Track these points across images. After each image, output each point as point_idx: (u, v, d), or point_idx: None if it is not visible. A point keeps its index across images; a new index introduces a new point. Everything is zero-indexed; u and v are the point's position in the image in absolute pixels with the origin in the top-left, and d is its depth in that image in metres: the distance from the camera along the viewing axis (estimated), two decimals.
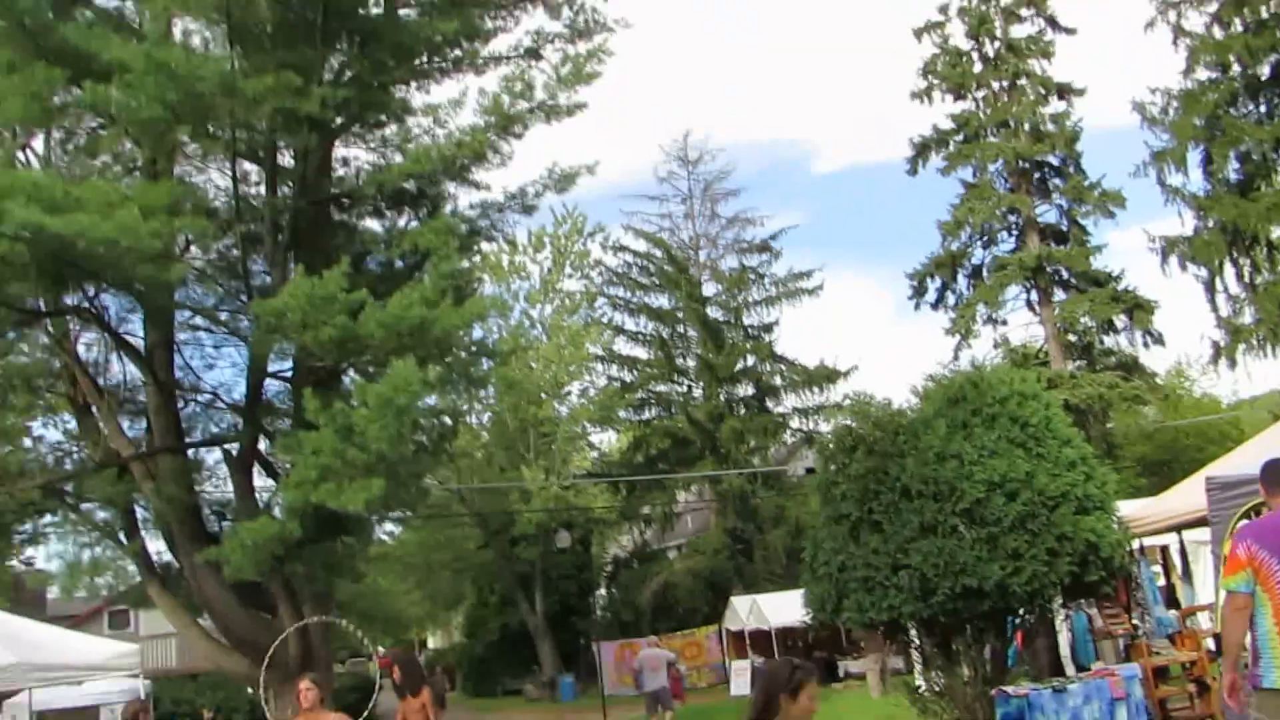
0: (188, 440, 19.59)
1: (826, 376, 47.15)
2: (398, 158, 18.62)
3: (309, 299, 15.40)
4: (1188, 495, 13.94)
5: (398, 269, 18.44)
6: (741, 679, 35.83)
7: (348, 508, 15.89)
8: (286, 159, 18.63)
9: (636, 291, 49.68)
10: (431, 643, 73.92)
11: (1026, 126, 43.08)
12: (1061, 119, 43.31)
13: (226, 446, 19.58)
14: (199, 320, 19.55)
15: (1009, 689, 13.85)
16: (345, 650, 54.87)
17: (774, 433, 47.26)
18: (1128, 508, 15.88)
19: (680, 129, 60.04)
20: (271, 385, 19.48)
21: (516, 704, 40.73)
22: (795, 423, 48.08)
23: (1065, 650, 17.28)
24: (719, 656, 40.92)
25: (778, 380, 48.63)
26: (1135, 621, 16.13)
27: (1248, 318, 33.60)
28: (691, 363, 48.71)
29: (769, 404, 48.27)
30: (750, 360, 48.28)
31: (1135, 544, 16.07)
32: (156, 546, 20.37)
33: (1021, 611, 14.71)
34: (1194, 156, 34.57)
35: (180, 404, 19.61)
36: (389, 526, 46.14)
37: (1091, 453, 15.14)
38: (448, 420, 20.35)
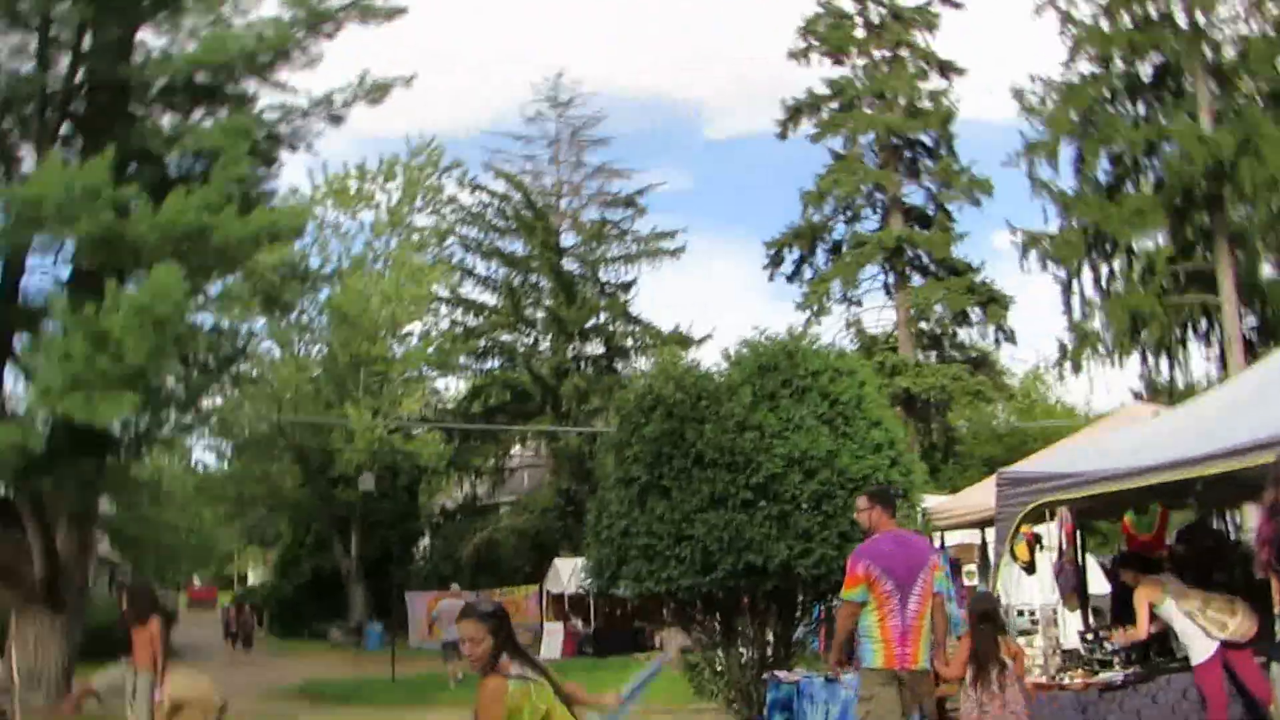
0: None
1: (679, 342, 45.31)
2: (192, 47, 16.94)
3: (67, 188, 13.88)
4: (987, 492, 13.20)
5: (191, 174, 16.84)
6: (554, 640, 35.17)
7: (97, 421, 14.46)
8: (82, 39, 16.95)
9: (490, 234, 47.86)
10: (252, 580, 72.02)
11: (902, 101, 42.21)
12: (939, 97, 42.62)
13: None
14: None
15: (781, 674, 13.00)
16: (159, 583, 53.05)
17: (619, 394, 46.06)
18: (930, 501, 15.20)
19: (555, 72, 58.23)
20: (39, 287, 17.79)
21: (319, 648, 39.31)
22: None
23: None
24: (536, 617, 39.94)
25: (629, 342, 47.52)
26: None
27: (1098, 323, 33.26)
28: (541, 314, 47.16)
29: (617, 365, 47.07)
30: (603, 318, 47.07)
31: (937, 538, 15.39)
32: None
33: (802, 598, 13.95)
34: (1067, 152, 33.95)
35: None
36: (199, 454, 44.42)
37: (902, 437, 14.43)
38: (236, 341, 18.86)
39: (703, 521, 12.80)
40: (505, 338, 47.35)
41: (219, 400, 35.96)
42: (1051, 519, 12.24)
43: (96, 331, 14.16)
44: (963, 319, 42.07)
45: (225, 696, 17.46)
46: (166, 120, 17.73)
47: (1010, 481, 10.70)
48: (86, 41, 16.56)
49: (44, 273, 17.75)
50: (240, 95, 17.68)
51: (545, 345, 47.20)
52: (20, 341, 17.20)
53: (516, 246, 47.91)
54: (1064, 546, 12.12)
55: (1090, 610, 12.79)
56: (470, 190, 47.61)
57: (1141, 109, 33.19)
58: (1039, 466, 11.10)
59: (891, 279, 42.44)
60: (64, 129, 16.46)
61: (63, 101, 16.30)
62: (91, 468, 17.17)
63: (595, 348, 47.10)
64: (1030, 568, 12.69)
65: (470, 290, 47.89)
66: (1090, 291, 33.86)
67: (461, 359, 45.94)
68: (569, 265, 47.39)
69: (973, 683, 8.80)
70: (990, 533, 12.39)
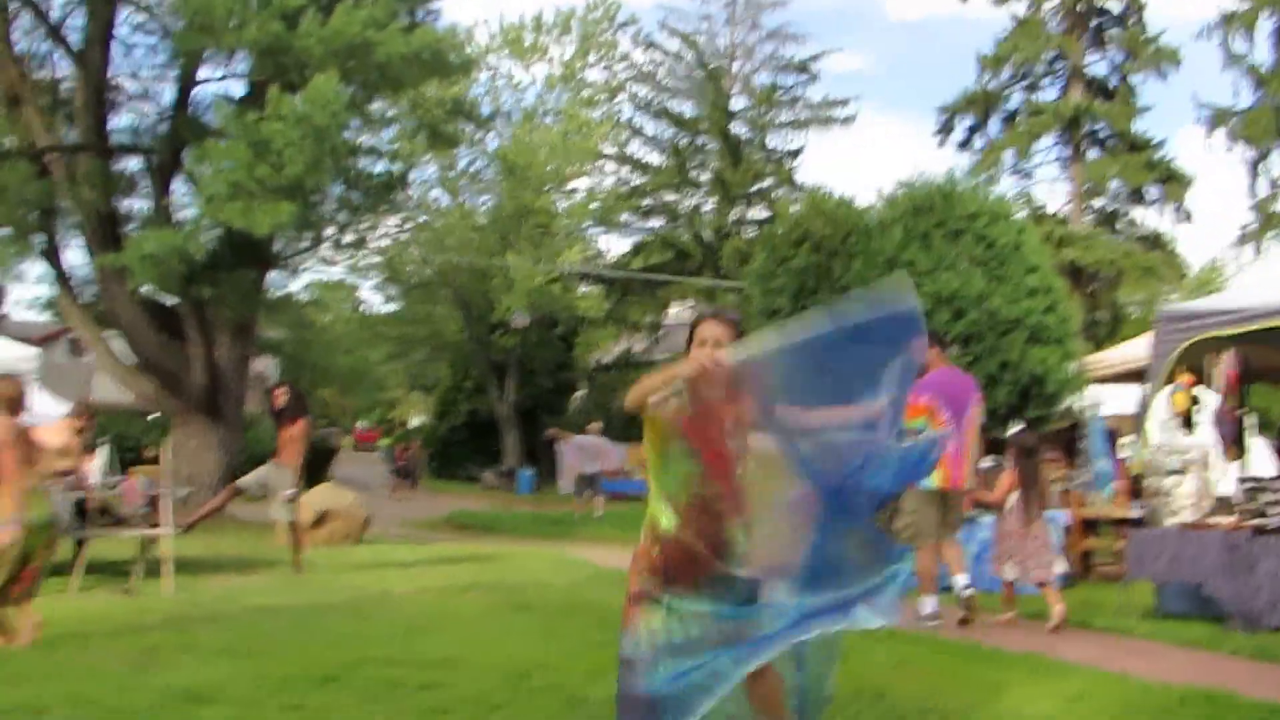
0: (112, 144, 18.39)
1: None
2: None
3: None
4: (1147, 344, 12.78)
5: None
6: None
7: (254, 229, 14.80)
8: None
9: (660, 94, 47.49)
10: (413, 424, 73.71)
11: None
12: None
13: (149, 155, 18.38)
14: (139, 20, 18.15)
15: None
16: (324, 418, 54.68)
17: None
18: (1091, 358, 14.85)
19: None
20: (208, 99, 18.16)
21: (473, 490, 40.13)
22: None
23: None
24: None
25: (793, 210, 46.85)
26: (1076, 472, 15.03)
27: None
28: (706, 176, 46.78)
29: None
30: (769, 182, 46.47)
31: (1090, 395, 15.02)
32: (75, 260, 19.43)
33: None
34: (1266, 26, 32.41)
35: (110, 106, 18.38)
36: (366, 296, 45.25)
37: (1060, 285, 14.04)
38: (394, 167, 19.02)
39: None
40: (669, 198, 47.10)
41: (384, 238, 36.80)
42: (1214, 367, 11.87)
43: (258, 139, 14.43)
44: (1139, 197, 40.58)
45: (370, 512, 18.17)
46: None
47: (1171, 318, 10.29)
48: None
49: (216, 84, 18.08)
50: None
51: (709, 207, 46.89)
52: (189, 152, 17.61)
53: (686, 107, 47.40)
54: (1225, 394, 11.71)
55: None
56: (644, 48, 47.04)
57: None
58: (1195, 305, 10.63)
59: (1067, 152, 40.99)
60: None
61: None
62: (251, 279, 17.65)
63: (759, 212, 46.50)
64: (1187, 420, 12.25)
65: (637, 149, 47.50)
66: (1278, 173, 32.43)
67: (625, 216, 45.81)
68: (737, 129, 46.68)
69: (1012, 510, 9.83)
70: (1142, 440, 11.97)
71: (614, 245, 50.09)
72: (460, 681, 6.56)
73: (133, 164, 19.28)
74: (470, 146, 39.75)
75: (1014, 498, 9.81)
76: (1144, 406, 11.08)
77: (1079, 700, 6.59)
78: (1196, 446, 11.39)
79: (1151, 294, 41.33)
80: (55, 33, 18.01)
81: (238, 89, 17.72)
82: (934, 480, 8.89)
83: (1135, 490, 11.93)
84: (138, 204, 19.34)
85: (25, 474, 7.76)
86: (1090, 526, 13.66)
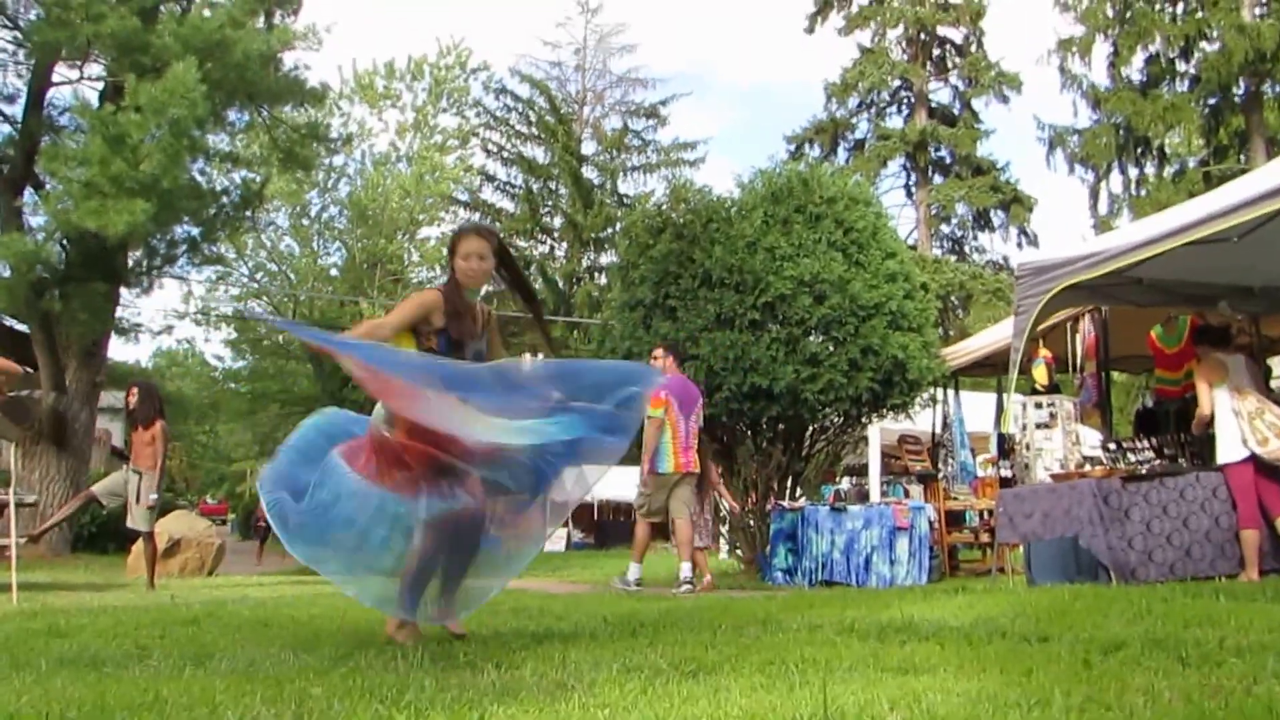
0: None
1: None
2: None
3: None
4: (1003, 329, 12.88)
5: None
6: (556, 543, 35.94)
7: (109, 229, 14.24)
8: None
9: (512, 139, 47.36)
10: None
11: None
12: None
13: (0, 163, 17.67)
14: None
15: (785, 504, 12.78)
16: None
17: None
18: (950, 348, 14.90)
19: None
20: (64, 102, 17.55)
21: None
22: None
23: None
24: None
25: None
26: (939, 464, 15.09)
27: (1125, 222, 32.75)
28: (558, 221, 46.80)
29: None
30: (619, 227, 46.58)
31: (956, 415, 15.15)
32: None
33: (811, 428, 13.68)
34: (1101, 50, 33.51)
35: None
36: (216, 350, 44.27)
37: (917, 273, 14.07)
38: (252, 177, 18.63)
39: (708, 340, 12.51)
40: (522, 244, 46.93)
41: (236, 286, 36.01)
42: (1074, 335, 11.99)
43: (114, 133, 13.94)
44: (985, 221, 41.60)
45: (223, 539, 17.50)
46: None
47: (1030, 271, 10.26)
48: None
49: (71, 86, 17.50)
50: None
51: (561, 252, 46.85)
52: (41, 154, 16.99)
53: (538, 153, 47.40)
54: (1085, 359, 11.83)
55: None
56: (496, 94, 47.08)
57: (1180, 9, 32.43)
58: (1052, 255, 10.62)
59: (914, 178, 41.87)
60: None
61: None
62: (103, 293, 17.00)
63: (611, 257, 46.63)
64: (1050, 390, 12.34)
65: (490, 195, 47.20)
66: (1118, 189, 33.47)
67: None
68: (589, 174, 46.90)
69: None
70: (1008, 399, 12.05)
71: None
72: None
73: None
74: (321, 193, 39.35)
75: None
76: (1010, 366, 11.09)
77: (969, 608, 6.46)
78: (1060, 399, 11.50)
79: (999, 316, 42.12)
80: None
81: (93, 95, 17.14)
82: (667, 465, 10.81)
83: (1004, 451, 11.96)
84: None
85: None
86: (955, 519, 13.71)
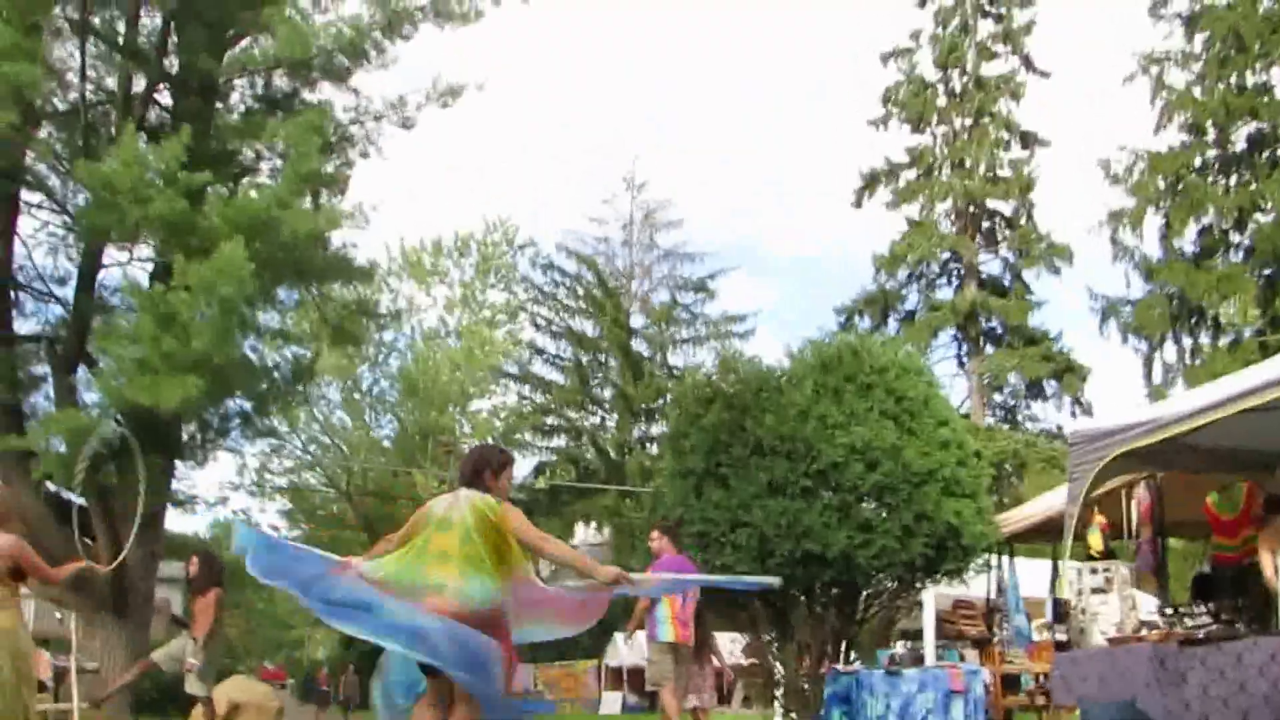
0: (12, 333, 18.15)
1: None
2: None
3: (141, 168, 14.15)
4: (1057, 496, 12.85)
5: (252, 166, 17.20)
6: (612, 705, 35.60)
7: (161, 404, 14.53)
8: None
9: (561, 313, 48.13)
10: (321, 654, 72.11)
11: (983, 169, 41.65)
12: (1020, 165, 41.90)
13: (53, 343, 18.12)
14: (41, 211, 18.13)
15: (840, 666, 12.71)
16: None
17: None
18: (1005, 514, 14.90)
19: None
20: (114, 283, 18.08)
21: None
22: None
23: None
24: (595, 692, 39.68)
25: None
26: (994, 628, 14.96)
27: (1179, 391, 32.56)
28: (608, 393, 47.22)
29: None
30: (670, 399, 46.90)
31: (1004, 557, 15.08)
32: None
33: (864, 593, 13.64)
34: (1153, 222, 33.55)
35: (12, 297, 18.20)
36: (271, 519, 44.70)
37: (970, 441, 14.14)
38: (302, 352, 18.98)
39: (760, 508, 12.59)
40: (572, 415, 47.29)
41: (289, 459, 36.42)
42: (1129, 501, 11.95)
43: (164, 312, 14.31)
44: (1038, 390, 41.41)
45: (283, 702, 17.49)
46: (241, 118, 18.08)
47: (1085, 438, 10.29)
48: (173, 39, 16.95)
49: (120, 268, 18.01)
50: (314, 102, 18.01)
51: (611, 423, 47.12)
52: (93, 334, 17.40)
53: (587, 326, 48.11)
54: (1141, 525, 11.78)
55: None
56: (543, 270, 47.99)
57: (1233, 180, 32.58)
58: (1105, 423, 10.65)
59: (965, 349, 41.81)
60: (149, 118, 16.79)
61: (145, 98, 16.65)
62: (158, 467, 17.25)
63: (661, 427, 46.84)
64: (1105, 556, 12.26)
65: (539, 368, 47.79)
66: (1172, 358, 33.31)
67: (527, 436, 45.91)
68: (638, 346, 47.47)
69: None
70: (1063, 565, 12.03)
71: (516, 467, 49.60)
72: None
73: (37, 354, 18.99)
74: (372, 367, 40.00)
75: None
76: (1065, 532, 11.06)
77: None
78: (1116, 564, 11.43)
79: (1054, 484, 41.71)
80: None
81: (143, 275, 17.68)
82: (667, 634, 11.08)
83: (1059, 615, 11.85)
84: (40, 399, 18.99)
85: None
86: (1010, 683, 13.54)
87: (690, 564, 11.56)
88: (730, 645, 25.34)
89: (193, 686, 12.55)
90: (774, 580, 8.13)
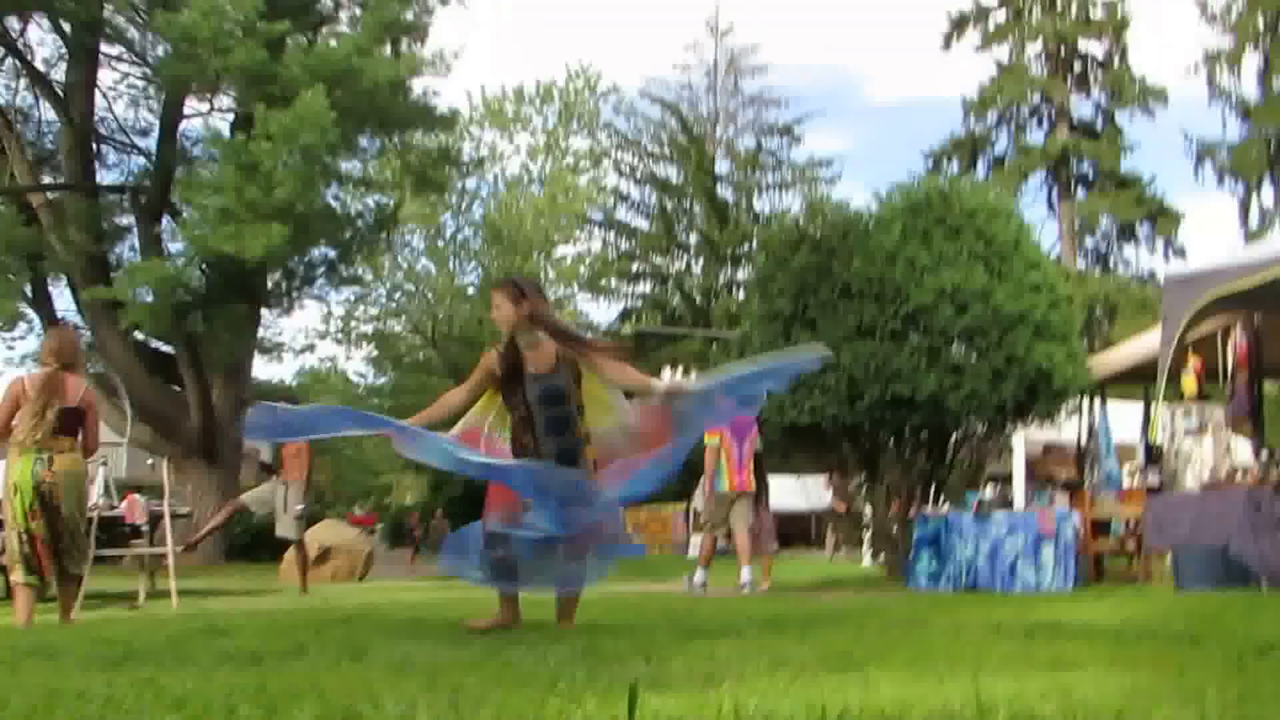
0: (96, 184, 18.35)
1: None
2: None
3: (220, 19, 14.04)
4: (1150, 339, 12.59)
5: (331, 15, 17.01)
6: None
7: (245, 254, 14.64)
8: None
9: (645, 160, 47.61)
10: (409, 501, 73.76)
11: (1074, 9, 40.30)
12: (1113, 6, 40.40)
13: (136, 193, 18.30)
14: (122, 64, 18.16)
15: (929, 510, 12.66)
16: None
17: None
18: (1096, 358, 14.64)
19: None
20: (195, 134, 18.15)
21: None
22: None
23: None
24: (682, 536, 40.05)
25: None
26: (1084, 472, 14.80)
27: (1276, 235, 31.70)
28: (694, 239, 46.92)
29: None
30: (756, 243, 46.52)
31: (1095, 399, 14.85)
32: (64, 305, 19.25)
33: (954, 436, 13.51)
34: (1251, 61, 32.55)
35: (95, 151, 18.35)
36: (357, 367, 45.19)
37: (1062, 285, 13.84)
38: (388, 202, 19.01)
39: (849, 350, 12.40)
40: (657, 261, 47.12)
41: (375, 305, 36.67)
42: (1225, 344, 11.68)
43: (247, 162, 14.34)
44: (1130, 234, 40.38)
45: (373, 546, 17.85)
46: None
47: (1179, 281, 10.09)
48: None
49: (201, 119, 18.05)
50: None
51: (697, 269, 46.92)
52: (177, 184, 17.53)
53: (671, 172, 47.59)
54: (1238, 368, 11.53)
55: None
56: (627, 116, 47.49)
57: None
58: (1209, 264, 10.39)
59: (1055, 193, 40.85)
60: None
61: None
62: (244, 314, 17.48)
63: (747, 272, 46.57)
64: (1200, 399, 12.03)
65: (624, 214, 47.47)
66: (1269, 202, 32.43)
67: (613, 282, 45.87)
68: (723, 192, 46.94)
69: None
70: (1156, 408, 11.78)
71: (602, 313, 49.98)
72: None
73: (121, 205, 19.21)
74: (456, 214, 39.99)
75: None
76: (1158, 374, 10.83)
77: (1117, 611, 6.36)
78: (1210, 407, 11.22)
79: (1146, 329, 41.05)
80: (41, 80, 17.95)
81: (224, 125, 17.69)
82: (724, 484, 12.00)
83: (1152, 459, 11.71)
84: (126, 250, 19.25)
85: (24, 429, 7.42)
86: (1100, 528, 13.42)
87: (750, 418, 12.06)
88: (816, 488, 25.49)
89: (284, 530, 12.85)
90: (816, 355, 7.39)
